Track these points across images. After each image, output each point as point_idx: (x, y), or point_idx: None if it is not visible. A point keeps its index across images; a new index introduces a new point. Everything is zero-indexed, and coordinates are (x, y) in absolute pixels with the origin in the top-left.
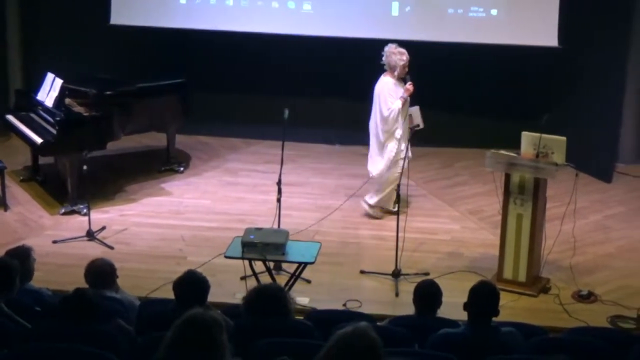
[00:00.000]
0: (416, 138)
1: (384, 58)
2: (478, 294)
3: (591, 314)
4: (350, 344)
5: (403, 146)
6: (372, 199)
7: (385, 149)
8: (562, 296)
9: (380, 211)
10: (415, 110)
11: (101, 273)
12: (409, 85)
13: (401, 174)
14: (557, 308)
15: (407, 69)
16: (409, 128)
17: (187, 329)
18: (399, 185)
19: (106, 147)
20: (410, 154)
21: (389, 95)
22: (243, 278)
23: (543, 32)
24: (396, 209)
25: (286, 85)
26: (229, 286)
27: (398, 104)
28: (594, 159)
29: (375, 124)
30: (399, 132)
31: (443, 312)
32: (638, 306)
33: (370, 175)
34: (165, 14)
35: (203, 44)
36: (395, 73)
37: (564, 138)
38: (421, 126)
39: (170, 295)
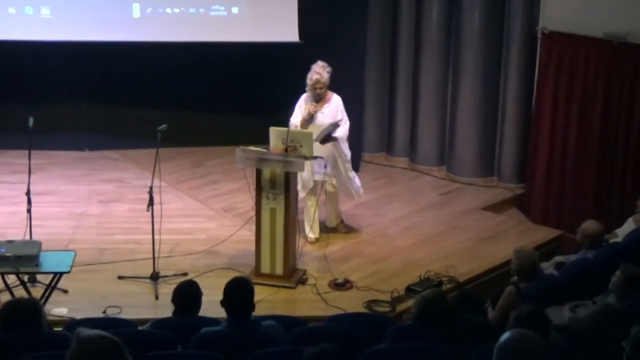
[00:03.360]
0: (164, 139)
1: None
2: (231, 291)
3: (348, 301)
4: (90, 347)
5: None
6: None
7: None
8: (319, 286)
9: (342, 226)
10: (326, 127)
11: None
12: (311, 107)
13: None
14: (315, 298)
15: (317, 90)
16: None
17: None
18: (151, 187)
19: None
20: (361, 191)
21: (296, 108)
22: None
23: (284, 28)
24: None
25: (29, 92)
26: None
27: (296, 121)
28: None
29: None
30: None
31: (205, 310)
32: (391, 289)
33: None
34: None
35: None
36: (306, 89)
37: (311, 131)
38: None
39: None
